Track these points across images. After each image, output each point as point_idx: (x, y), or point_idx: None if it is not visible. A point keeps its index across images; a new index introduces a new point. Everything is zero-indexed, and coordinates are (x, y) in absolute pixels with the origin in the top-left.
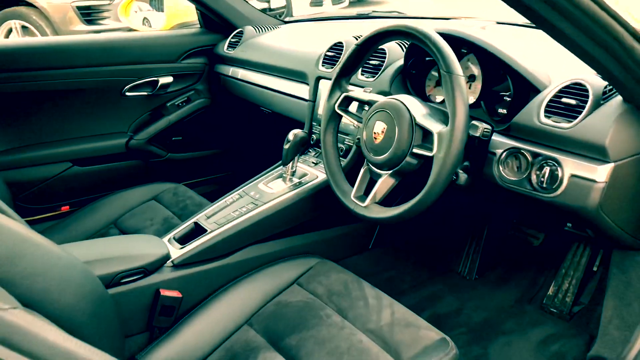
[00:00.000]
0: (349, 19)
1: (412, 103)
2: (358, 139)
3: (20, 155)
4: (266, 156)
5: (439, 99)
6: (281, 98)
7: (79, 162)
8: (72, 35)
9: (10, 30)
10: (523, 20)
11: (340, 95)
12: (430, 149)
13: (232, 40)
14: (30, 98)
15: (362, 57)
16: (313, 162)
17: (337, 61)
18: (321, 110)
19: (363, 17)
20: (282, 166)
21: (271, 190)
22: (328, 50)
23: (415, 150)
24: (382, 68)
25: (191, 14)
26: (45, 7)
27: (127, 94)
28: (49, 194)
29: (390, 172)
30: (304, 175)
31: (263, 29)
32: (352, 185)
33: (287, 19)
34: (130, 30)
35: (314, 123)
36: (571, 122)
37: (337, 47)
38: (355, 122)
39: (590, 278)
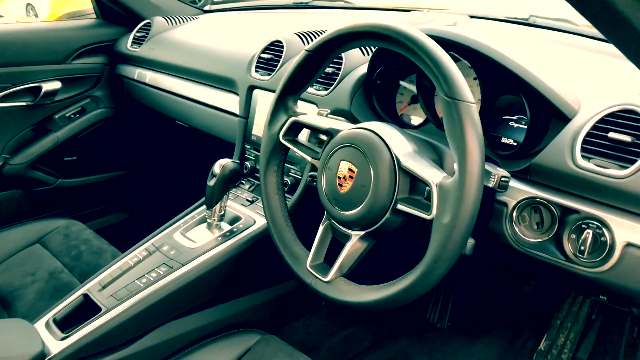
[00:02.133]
0: (284, 9)
1: (392, 136)
2: (311, 178)
3: None
4: (184, 179)
5: (415, 120)
6: (202, 111)
7: None
8: None
9: None
10: (503, 14)
11: (286, 120)
12: (426, 208)
13: (138, 34)
14: None
15: (317, 69)
16: (248, 200)
17: (275, 66)
18: (256, 130)
19: (302, 6)
20: (206, 208)
21: (192, 244)
22: (263, 52)
23: (401, 207)
24: (338, 78)
25: (84, 0)
26: None
27: None
28: None
29: (362, 232)
30: (236, 219)
31: (177, 20)
32: (306, 245)
33: (207, 7)
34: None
35: (247, 146)
36: (626, 167)
37: (275, 47)
38: (309, 158)
39: (589, 329)
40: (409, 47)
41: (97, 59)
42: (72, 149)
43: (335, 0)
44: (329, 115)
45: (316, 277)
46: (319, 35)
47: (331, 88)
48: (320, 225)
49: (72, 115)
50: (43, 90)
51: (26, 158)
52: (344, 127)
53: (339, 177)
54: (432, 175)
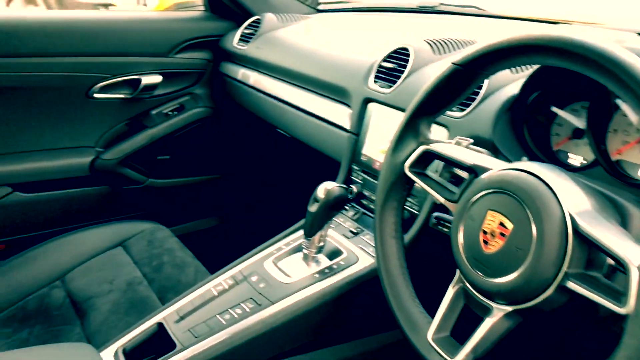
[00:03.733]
0: (407, 12)
1: (564, 185)
2: (437, 220)
3: None
4: (279, 191)
5: (574, 160)
6: (307, 121)
7: (21, 187)
8: (21, 12)
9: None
10: None
11: (416, 148)
12: (612, 295)
13: (246, 31)
14: None
15: (464, 87)
16: (351, 232)
17: (397, 77)
18: (367, 149)
19: (428, 10)
20: (304, 235)
21: (284, 278)
22: (384, 60)
23: (571, 286)
24: (479, 97)
25: None
26: None
27: (96, 95)
28: None
29: (510, 308)
30: (336, 253)
31: (289, 18)
32: (428, 306)
33: (321, 7)
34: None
35: (354, 166)
36: None
37: (399, 55)
38: (442, 199)
39: None
40: (614, 73)
41: (201, 55)
42: (166, 147)
43: (466, 6)
44: (471, 147)
45: (440, 355)
46: (452, 44)
47: (469, 109)
48: (450, 287)
49: (170, 112)
50: (142, 83)
51: (118, 154)
52: (495, 166)
53: (485, 232)
54: (629, 251)
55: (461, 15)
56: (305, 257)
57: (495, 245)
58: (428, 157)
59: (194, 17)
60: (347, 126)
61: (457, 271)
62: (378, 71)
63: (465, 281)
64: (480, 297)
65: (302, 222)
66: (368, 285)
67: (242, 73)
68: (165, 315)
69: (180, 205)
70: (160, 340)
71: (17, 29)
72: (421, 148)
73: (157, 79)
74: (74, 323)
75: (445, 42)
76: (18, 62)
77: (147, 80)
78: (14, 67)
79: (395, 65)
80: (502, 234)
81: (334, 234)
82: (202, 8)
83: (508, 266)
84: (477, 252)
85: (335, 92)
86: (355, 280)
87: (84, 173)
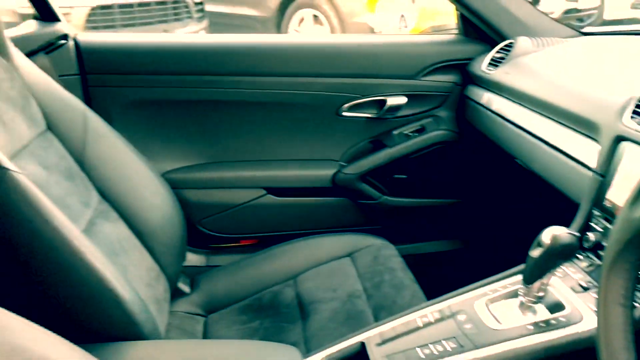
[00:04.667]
0: None
1: None
2: None
3: (206, 174)
4: (515, 227)
5: None
6: (547, 154)
7: (273, 190)
8: (281, 35)
9: (302, 20)
10: None
11: None
12: None
13: (496, 55)
14: (223, 109)
15: None
16: (580, 285)
17: None
18: (613, 194)
19: None
20: (522, 281)
21: (494, 324)
22: None
23: None
24: None
25: (450, 15)
26: None
27: (344, 114)
28: (234, 222)
29: None
30: (558, 307)
31: (545, 42)
32: None
33: (586, 29)
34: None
35: (595, 212)
36: None
37: None
38: None
39: None
40: None
41: (449, 77)
42: (403, 167)
43: None
44: None
45: None
46: None
47: None
48: None
49: (411, 133)
50: (388, 104)
51: (358, 169)
52: None
53: None
54: None
55: None
56: (521, 305)
57: None
58: None
59: (446, 40)
60: (593, 165)
61: None
62: (637, 106)
63: None
64: None
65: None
66: (587, 353)
67: (487, 98)
68: (369, 335)
69: (412, 225)
70: (360, 359)
71: (277, 51)
72: None
73: (402, 100)
74: (297, 323)
75: None
76: (276, 81)
77: (392, 101)
78: (274, 86)
79: None
80: None
81: (560, 285)
82: (455, 31)
83: None
84: None
85: (583, 126)
86: (573, 343)
87: (327, 184)
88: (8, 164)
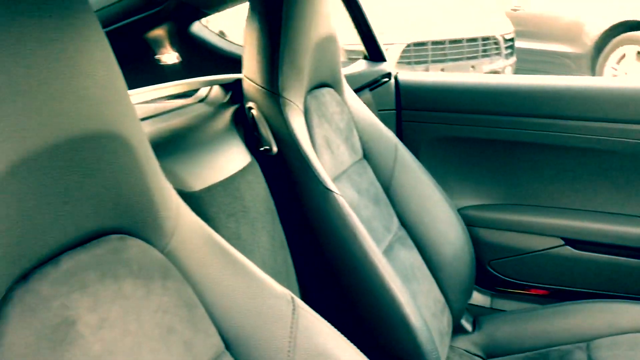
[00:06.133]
0: None
1: None
2: None
3: (502, 215)
4: None
5: None
6: None
7: (573, 242)
8: (593, 78)
9: (623, 57)
10: None
11: None
12: None
13: None
14: (527, 150)
15: None
16: None
17: None
18: None
19: None
20: None
21: None
22: None
23: None
24: None
25: None
26: None
27: None
28: (525, 268)
29: None
30: None
31: None
32: None
33: None
34: None
35: None
36: None
37: None
38: None
39: None
40: None
41: None
42: None
43: None
44: None
45: None
46: None
47: None
48: None
49: None
50: None
51: None
52: None
53: None
54: None
55: None
56: None
57: None
58: None
59: None
60: None
61: None
62: None
63: None
64: None
65: None
66: None
67: None
68: None
69: None
70: None
71: (601, 96)
72: None
73: None
74: None
75: None
76: (592, 125)
77: None
78: (588, 131)
79: None
80: None
81: None
82: None
83: None
84: None
85: None
86: None
87: (637, 244)
88: (332, 186)
